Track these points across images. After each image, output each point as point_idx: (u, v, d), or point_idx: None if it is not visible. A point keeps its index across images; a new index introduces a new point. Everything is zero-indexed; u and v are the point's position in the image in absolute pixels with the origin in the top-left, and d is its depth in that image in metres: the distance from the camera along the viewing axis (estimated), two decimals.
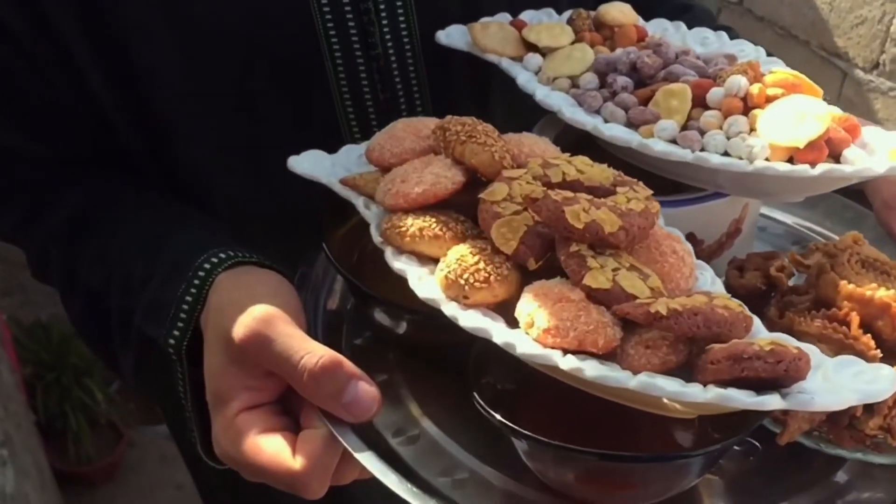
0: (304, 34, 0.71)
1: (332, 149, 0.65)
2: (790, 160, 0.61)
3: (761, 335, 0.50)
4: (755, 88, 0.63)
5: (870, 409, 0.54)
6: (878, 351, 0.54)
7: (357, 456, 0.53)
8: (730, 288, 0.60)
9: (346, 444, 0.54)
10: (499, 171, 0.57)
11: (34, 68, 0.69)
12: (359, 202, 0.61)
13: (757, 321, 0.50)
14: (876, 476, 0.56)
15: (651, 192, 0.55)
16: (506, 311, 0.52)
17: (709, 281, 0.55)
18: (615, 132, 0.65)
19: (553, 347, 0.48)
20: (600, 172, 0.56)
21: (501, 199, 0.54)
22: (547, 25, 0.73)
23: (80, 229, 0.71)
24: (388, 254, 0.56)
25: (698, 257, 0.56)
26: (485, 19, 0.74)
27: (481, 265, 0.52)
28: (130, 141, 0.73)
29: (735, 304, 0.49)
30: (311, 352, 0.54)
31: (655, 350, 0.47)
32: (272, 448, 0.55)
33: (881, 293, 0.56)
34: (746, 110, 0.63)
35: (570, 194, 0.52)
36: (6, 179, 0.74)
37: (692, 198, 0.66)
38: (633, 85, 0.67)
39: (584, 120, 0.66)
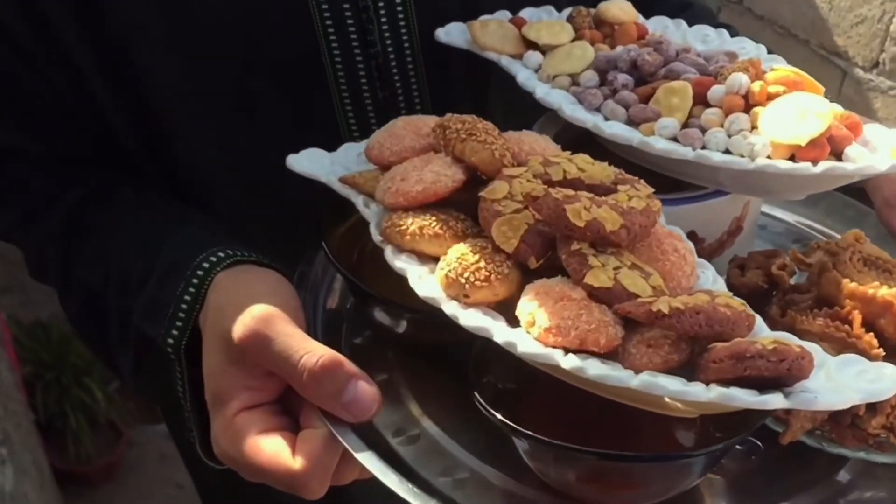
0: (302, 33, 0.70)
1: (331, 147, 0.65)
2: (792, 158, 0.61)
3: (764, 334, 0.50)
4: (756, 86, 0.63)
5: (872, 408, 0.54)
6: (881, 349, 0.54)
7: (357, 456, 0.53)
8: (731, 286, 0.60)
9: (346, 444, 0.53)
10: (499, 170, 0.57)
11: (34, 68, 0.69)
12: (358, 201, 0.60)
13: (759, 320, 0.50)
14: (878, 475, 0.56)
15: (652, 190, 0.55)
16: (506, 310, 0.51)
17: (710, 279, 0.54)
18: (616, 130, 0.64)
19: (554, 346, 0.48)
20: (601, 170, 0.55)
21: (502, 197, 0.53)
22: (547, 23, 0.73)
23: (78, 229, 0.71)
24: (388, 252, 0.56)
25: (699, 255, 0.56)
26: (484, 17, 0.74)
27: (482, 264, 0.51)
28: (130, 141, 0.73)
29: (737, 302, 0.49)
30: (311, 351, 0.54)
31: (657, 349, 0.47)
32: (272, 448, 0.55)
33: (883, 291, 0.56)
34: (748, 108, 0.63)
35: (570, 192, 0.52)
36: (5, 179, 0.74)
37: (693, 196, 0.66)
38: (634, 82, 0.67)
39: (585, 118, 0.66)
